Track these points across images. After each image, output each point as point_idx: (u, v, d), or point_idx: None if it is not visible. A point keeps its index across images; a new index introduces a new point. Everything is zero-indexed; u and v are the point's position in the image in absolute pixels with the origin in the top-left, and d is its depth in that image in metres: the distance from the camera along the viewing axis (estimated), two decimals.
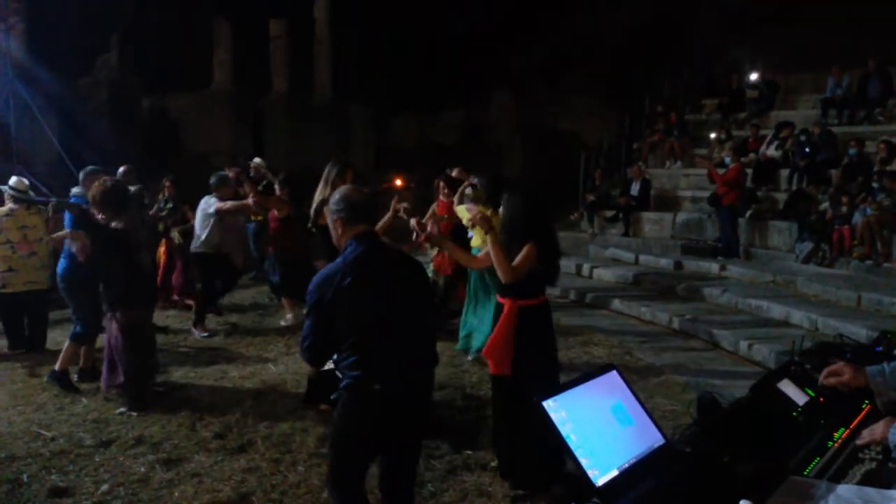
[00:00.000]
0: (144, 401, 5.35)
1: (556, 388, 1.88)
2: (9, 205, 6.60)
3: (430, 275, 7.54)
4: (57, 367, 5.79)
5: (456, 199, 7.02)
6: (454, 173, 7.88)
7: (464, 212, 6.33)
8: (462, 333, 6.76)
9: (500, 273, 3.88)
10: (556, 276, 4.12)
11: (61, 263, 6.03)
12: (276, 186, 7.72)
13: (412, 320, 3.00)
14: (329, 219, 3.16)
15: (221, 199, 7.70)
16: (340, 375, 2.96)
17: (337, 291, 2.82)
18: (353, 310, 2.83)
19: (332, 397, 3.24)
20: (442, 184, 7.64)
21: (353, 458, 3.04)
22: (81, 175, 6.26)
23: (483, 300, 6.51)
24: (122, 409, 5.29)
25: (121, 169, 7.73)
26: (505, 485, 4.08)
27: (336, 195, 3.13)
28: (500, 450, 4.19)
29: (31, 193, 6.68)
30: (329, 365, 3.02)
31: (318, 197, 5.01)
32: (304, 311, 3.04)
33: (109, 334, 5.36)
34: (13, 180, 6.64)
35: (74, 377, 5.94)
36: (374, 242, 3.02)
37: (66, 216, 6.11)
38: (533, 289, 3.99)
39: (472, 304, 6.69)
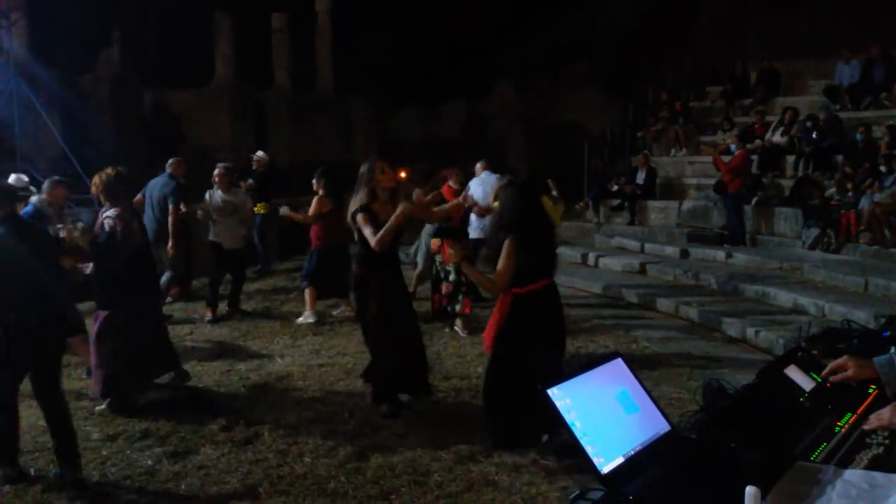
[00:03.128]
0: (128, 402, 5.26)
1: (560, 377, 1.87)
2: None
3: (437, 265, 7.54)
4: None
5: (491, 198, 7.06)
6: (477, 167, 8.23)
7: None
8: None
9: (490, 292, 4.55)
10: (548, 268, 4.42)
11: None
12: (314, 181, 7.71)
13: (41, 272, 4.17)
14: None
15: (223, 190, 7.92)
16: None
17: None
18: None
19: None
20: (455, 172, 7.84)
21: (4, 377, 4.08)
22: (46, 184, 6.18)
23: None
24: (101, 407, 5.25)
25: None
26: (511, 474, 4.09)
27: None
28: (488, 419, 4.54)
29: (33, 189, 6.65)
30: None
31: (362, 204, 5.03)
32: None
33: (93, 335, 5.25)
34: (12, 178, 6.66)
35: (84, 374, 5.97)
36: (14, 221, 4.20)
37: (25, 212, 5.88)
38: (522, 279, 4.24)
39: None
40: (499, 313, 4.32)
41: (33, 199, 6.18)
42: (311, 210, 7.64)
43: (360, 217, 4.84)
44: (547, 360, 4.28)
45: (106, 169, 5.31)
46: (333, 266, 7.65)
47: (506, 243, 4.15)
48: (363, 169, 4.99)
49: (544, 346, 4.33)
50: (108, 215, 5.11)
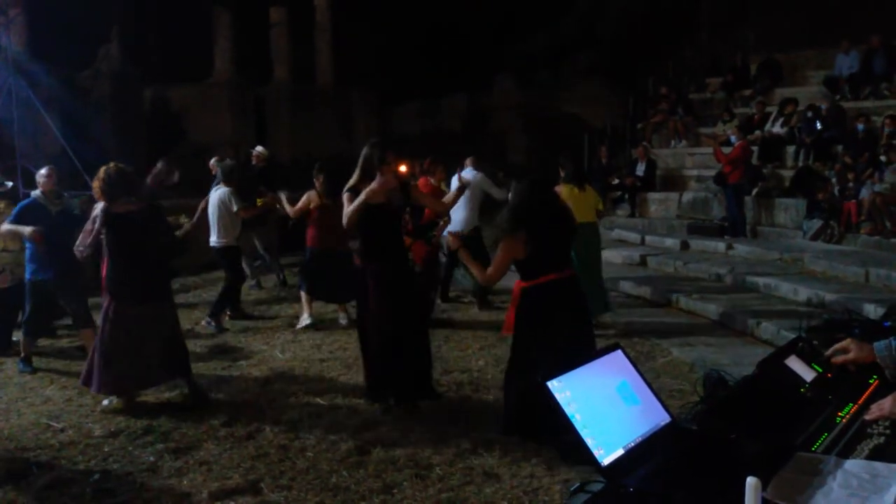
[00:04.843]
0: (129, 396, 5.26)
1: (560, 368, 1.87)
2: None
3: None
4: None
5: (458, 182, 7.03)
6: (467, 161, 8.24)
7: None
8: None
9: (481, 281, 4.55)
10: (557, 261, 4.39)
11: (29, 267, 6.00)
12: (315, 175, 7.53)
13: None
14: None
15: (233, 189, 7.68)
16: None
17: None
18: None
19: None
20: (440, 169, 7.73)
21: None
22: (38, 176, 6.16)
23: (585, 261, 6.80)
24: (105, 403, 5.24)
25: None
26: (512, 467, 4.09)
27: None
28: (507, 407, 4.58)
29: (8, 184, 6.58)
30: None
31: (349, 184, 4.80)
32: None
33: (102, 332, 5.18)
34: None
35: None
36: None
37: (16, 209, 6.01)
38: (530, 271, 4.34)
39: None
40: (512, 307, 4.42)
41: (34, 192, 6.17)
42: (298, 205, 7.43)
43: (346, 196, 4.73)
44: (564, 355, 4.17)
45: (109, 165, 5.22)
46: (329, 270, 7.32)
47: (503, 242, 4.29)
48: (369, 152, 4.76)
49: (560, 340, 4.22)
50: (98, 208, 5.15)
